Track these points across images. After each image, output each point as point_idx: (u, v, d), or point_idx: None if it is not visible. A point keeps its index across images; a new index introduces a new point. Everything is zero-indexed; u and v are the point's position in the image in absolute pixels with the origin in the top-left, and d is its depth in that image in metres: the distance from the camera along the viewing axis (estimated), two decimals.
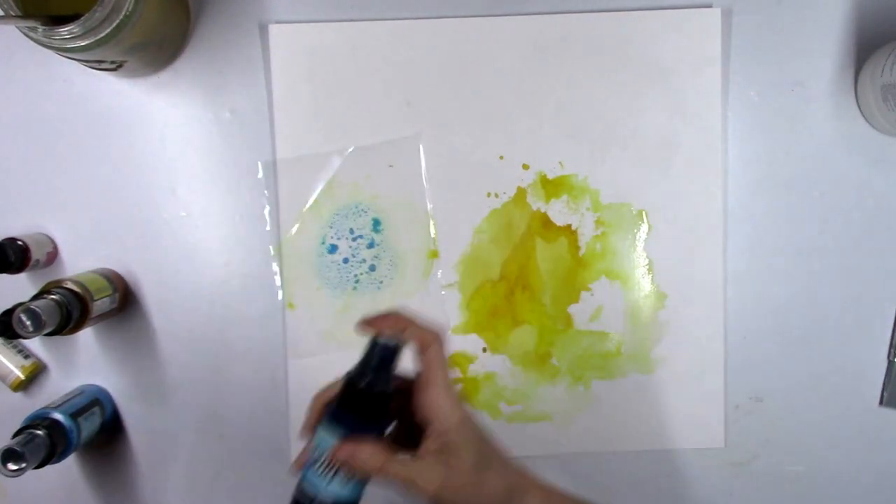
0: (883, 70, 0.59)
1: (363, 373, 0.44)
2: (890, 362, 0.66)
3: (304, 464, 0.46)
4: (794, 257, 0.65)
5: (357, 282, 0.64)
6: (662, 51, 0.63)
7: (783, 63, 0.64)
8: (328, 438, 0.44)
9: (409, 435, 0.46)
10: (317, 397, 0.47)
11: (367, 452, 0.44)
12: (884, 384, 0.66)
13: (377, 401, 0.45)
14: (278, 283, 0.64)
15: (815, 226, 0.65)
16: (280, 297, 0.64)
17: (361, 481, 0.45)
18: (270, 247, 0.64)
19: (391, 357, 0.45)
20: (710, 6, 0.63)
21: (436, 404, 0.44)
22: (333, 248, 0.64)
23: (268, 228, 0.64)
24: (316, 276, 0.64)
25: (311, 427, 0.47)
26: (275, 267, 0.64)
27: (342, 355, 0.64)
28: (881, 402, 0.66)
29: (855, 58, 0.64)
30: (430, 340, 0.45)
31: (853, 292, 0.65)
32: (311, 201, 0.64)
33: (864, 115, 0.64)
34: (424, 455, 0.45)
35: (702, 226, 0.64)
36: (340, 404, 0.45)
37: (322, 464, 0.44)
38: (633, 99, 0.64)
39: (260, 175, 0.64)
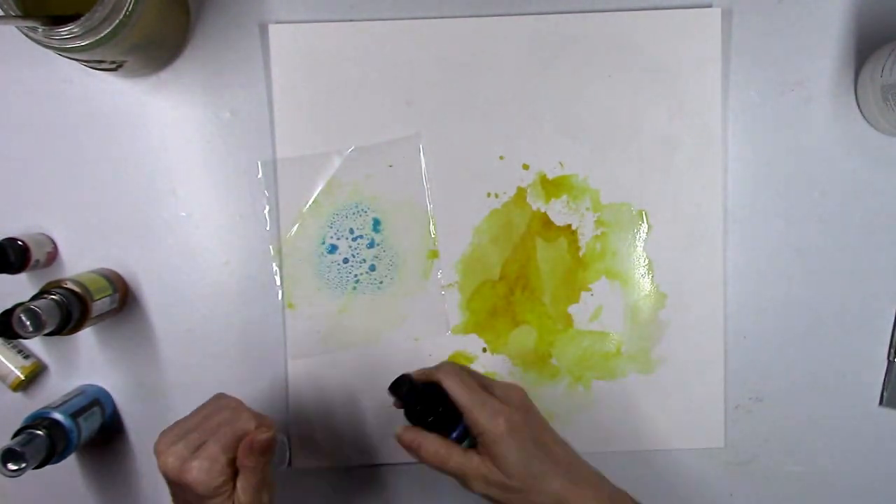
0: (883, 70, 0.59)
1: (411, 407, 0.52)
2: (890, 362, 0.66)
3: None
4: (794, 257, 0.65)
5: (357, 282, 0.64)
6: (662, 51, 0.63)
7: (783, 63, 0.64)
8: None
9: None
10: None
11: (431, 445, 0.50)
12: (884, 384, 0.66)
13: (433, 423, 0.51)
14: (278, 283, 0.64)
15: (815, 226, 0.65)
16: (280, 297, 0.64)
17: None
18: (270, 247, 0.64)
19: (419, 393, 0.51)
20: (710, 6, 0.63)
21: (474, 424, 0.50)
22: (333, 248, 0.64)
23: (268, 228, 0.64)
24: (316, 277, 0.64)
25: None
26: (275, 267, 0.64)
27: (342, 355, 0.65)
28: (881, 402, 0.66)
29: (855, 58, 0.64)
30: (440, 377, 0.51)
31: (853, 292, 0.65)
32: (310, 201, 0.64)
33: (864, 115, 0.64)
34: (480, 452, 0.50)
35: (702, 226, 0.64)
36: (407, 413, 0.52)
37: None
38: (632, 99, 0.64)
39: (260, 175, 0.64)
